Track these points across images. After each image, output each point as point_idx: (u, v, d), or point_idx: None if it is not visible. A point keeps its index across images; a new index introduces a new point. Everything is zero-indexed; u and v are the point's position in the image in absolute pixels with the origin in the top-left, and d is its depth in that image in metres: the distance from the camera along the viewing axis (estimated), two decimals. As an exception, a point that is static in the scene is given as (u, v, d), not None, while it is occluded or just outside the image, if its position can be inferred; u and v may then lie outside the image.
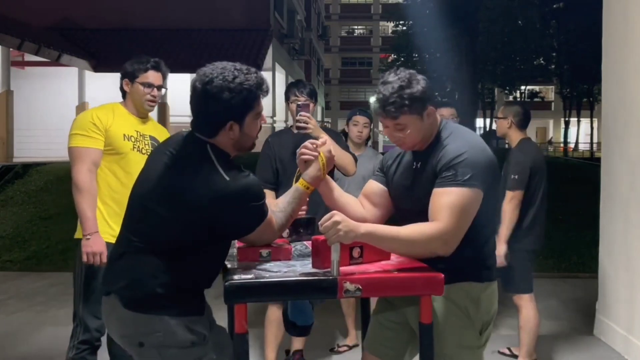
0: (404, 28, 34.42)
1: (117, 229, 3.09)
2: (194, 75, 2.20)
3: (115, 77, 3.44)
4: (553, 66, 36.53)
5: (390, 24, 42.36)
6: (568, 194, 9.90)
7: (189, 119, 2.28)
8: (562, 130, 41.16)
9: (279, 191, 3.86)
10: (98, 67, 17.33)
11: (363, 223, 2.13)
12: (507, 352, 4.51)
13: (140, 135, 3.30)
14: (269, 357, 3.91)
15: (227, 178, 2.03)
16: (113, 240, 3.07)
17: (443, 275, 2.06)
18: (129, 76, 3.31)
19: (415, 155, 2.38)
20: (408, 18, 29.48)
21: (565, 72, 35.19)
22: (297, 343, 4.06)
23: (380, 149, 47.63)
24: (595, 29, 6.38)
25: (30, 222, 9.35)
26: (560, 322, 5.41)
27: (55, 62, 15.35)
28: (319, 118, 41.23)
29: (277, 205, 2.28)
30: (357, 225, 2.05)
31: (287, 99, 3.95)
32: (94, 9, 19.21)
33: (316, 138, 3.64)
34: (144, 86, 3.28)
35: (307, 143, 2.38)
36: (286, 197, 2.30)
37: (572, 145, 41.06)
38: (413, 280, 2.08)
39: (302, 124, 3.56)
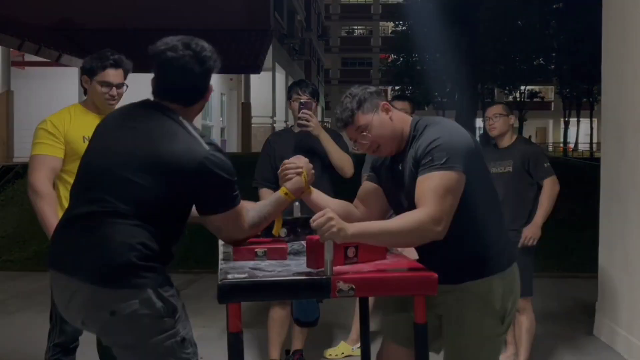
0: (404, 28, 34.41)
1: None
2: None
3: None
4: (553, 66, 36.47)
5: (390, 24, 42.41)
6: (568, 194, 9.87)
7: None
8: (562, 130, 41.13)
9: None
10: (98, 68, 17.24)
11: (352, 223, 2.11)
12: None
13: None
14: (273, 355, 3.94)
15: (207, 148, 2.07)
16: None
17: (437, 275, 2.04)
18: (87, 73, 3.13)
19: (394, 159, 2.41)
20: (408, 18, 29.51)
21: (565, 72, 35.12)
22: (297, 343, 4.07)
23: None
24: (595, 29, 6.38)
25: (30, 222, 9.30)
26: (560, 322, 5.40)
27: (55, 62, 15.30)
28: (319, 118, 41.22)
29: (253, 207, 2.31)
30: (347, 225, 2.04)
31: (289, 97, 3.98)
32: (94, 9, 19.17)
33: (317, 136, 3.70)
34: (101, 85, 3.10)
35: (289, 162, 2.44)
36: (265, 201, 2.38)
37: (571, 145, 41.05)
38: (407, 279, 2.07)
39: (304, 122, 3.58)
